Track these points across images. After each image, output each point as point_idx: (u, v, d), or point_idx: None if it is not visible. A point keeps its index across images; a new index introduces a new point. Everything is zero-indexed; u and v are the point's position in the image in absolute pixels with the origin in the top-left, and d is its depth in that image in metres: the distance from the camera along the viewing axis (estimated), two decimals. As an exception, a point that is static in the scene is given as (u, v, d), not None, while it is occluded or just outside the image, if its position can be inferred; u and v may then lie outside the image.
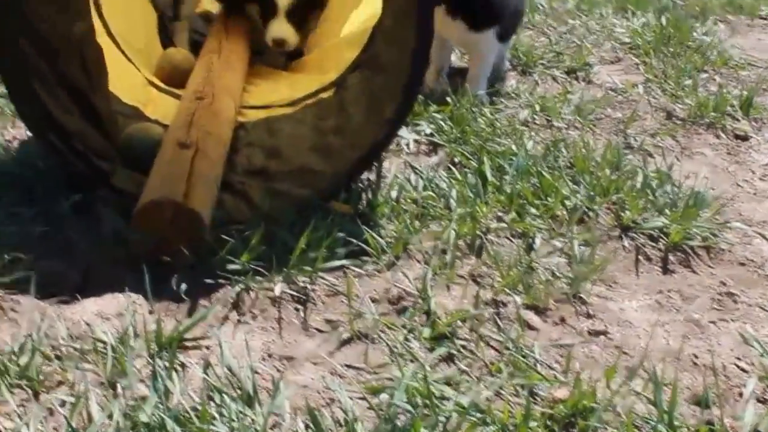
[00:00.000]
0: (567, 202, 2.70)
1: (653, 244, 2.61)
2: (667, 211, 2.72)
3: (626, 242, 2.60)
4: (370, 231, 2.36)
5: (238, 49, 3.39)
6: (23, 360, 1.83)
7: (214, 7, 4.05)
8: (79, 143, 2.51)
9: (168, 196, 2.28)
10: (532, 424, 1.75)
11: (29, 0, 2.41)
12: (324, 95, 2.91)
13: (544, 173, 2.80)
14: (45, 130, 2.48)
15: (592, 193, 2.75)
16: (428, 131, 3.14)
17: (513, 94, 3.57)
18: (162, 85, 3.34)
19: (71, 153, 2.49)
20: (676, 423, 1.79)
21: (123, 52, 3.21)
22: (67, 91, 2.57)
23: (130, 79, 3.14)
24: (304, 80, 3.21)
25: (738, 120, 3.55)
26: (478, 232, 2.50)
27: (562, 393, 1.88)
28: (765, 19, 5.17)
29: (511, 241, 2.55)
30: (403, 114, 2.62)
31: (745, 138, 3.43)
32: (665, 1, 5.05)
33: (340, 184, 2.60)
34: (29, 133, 2.85)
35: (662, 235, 2.63)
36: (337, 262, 2.29)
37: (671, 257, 2.57)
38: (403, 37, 2.60)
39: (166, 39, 3.78)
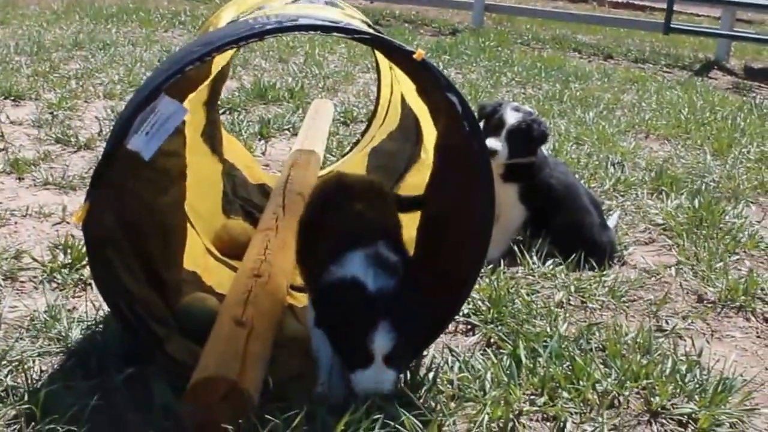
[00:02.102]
0: (598, 386, 2.67)
1: (682, 429, 2.57)
2: (696, 396, 2.68)
3: (655, 427, 2.56)
4: (406, 413, 2.35)
5: (293, 226, 3.46)
6: None
7: (271, 180, 4.16)
8: (141, 308, 2.56)
9: (224, 374, 2.31)
10: None
11: (119, 174, 2.48)
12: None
13: (576, 357, 2.78)
14: (114, 294, 2.53)
15: (623, 378, 2.72)
16: (466, 311, 3.14)
17: (550, 275, 3.57)
18: (218, 254, 3.42)
19: (134, 317, 2.54)
20: None
21: (189, 221, 3.31)
22: (140, 261, 2.65)
23: (192, 246, 3.23)
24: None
25: (768, 303, 3.52)
26: (510, 416, 2.48)
27: None
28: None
29: (543, 424, 2.52)
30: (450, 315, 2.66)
31: (774, 321, 3.39)
32: (699, 184, 5.07)
33: None
34: (89, 303, 2.94)
35: (691, 421, 2.59)
36: (375, 444, 2.28)
37: (700, 444, 2.52)
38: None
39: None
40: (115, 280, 2.50)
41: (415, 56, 2.39)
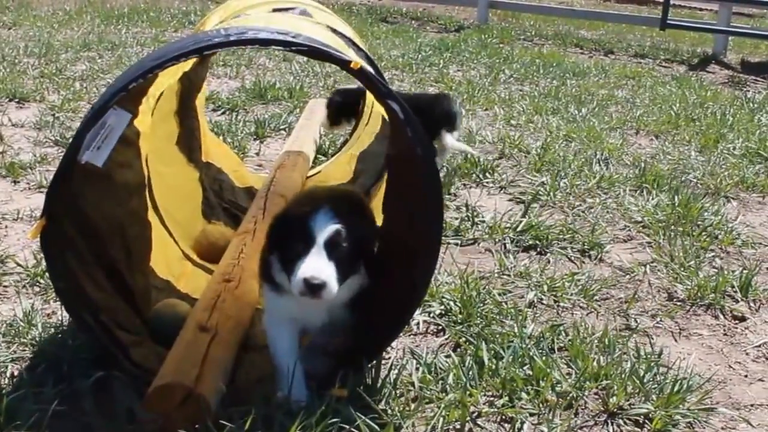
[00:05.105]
0: (558, 387, 2.65)
1: (639, 430, 2.54)
2: (653, 396, 2.65)
3: (612, 428, 2.54)
4: (361, 416, 2.34)
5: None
6: None
7: (258, 183, 4.13)
8: (107, 318, 2.55)
9: (180, 380, 2.31)
10: None
11: (76, 183, 2.48)
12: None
13: (536, 359, 2.76)
14: (77, 305, 2.53)
15: (582, 378, 2.70)
16: (438, 312, 3.12)
17: (524, 274, 3.55)
18: (198, 259, 3.41)
19: (99, 327, 2.53)
20: None
21: (165, 227, 3.29)
22: (103, 269, 2.64)
23: (167, 253, 3.23)
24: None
25: (737, 301, 3.48)
26: (467, 418, 2.46)
27: None
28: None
29: (501, 426, 2.50)
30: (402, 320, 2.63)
31: (742, 319, 3.35)
32: (681, 181, 5.02)
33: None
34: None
35: (647, 421, 2.57)
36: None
37: (654, 444, 2.50)
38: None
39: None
40: (77, 290, 2.49)
41: (351, 65, 2.37)
